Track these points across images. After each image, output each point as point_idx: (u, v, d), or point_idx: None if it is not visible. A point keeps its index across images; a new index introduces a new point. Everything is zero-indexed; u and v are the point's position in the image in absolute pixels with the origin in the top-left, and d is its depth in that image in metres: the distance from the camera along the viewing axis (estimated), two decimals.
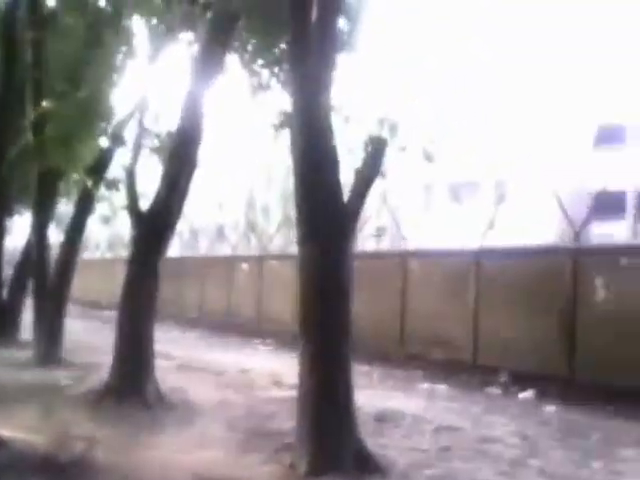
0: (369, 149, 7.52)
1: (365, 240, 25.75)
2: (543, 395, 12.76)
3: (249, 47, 12.01)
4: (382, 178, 7.75)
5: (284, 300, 20.18)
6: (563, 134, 36.16)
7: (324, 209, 7.38)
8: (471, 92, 35.60)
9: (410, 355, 16.20)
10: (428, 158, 10.28)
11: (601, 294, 13.04)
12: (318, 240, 7.36)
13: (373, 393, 11.87)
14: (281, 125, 10.17)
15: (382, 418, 10.01)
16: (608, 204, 34.49)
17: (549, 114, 36.00)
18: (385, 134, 7.78)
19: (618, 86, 35.27)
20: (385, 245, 29.39)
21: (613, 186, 33.37)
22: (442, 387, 13.78)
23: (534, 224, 28.33)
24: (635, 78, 34.27)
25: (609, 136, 36.63)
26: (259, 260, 23.52)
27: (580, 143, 36.55)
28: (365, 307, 15.02)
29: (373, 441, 7.62)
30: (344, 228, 7.46)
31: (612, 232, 30.52)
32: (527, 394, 13.06)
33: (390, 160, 7.72)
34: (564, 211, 14.69)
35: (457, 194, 39.96)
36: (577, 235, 14.16)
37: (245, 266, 24.25)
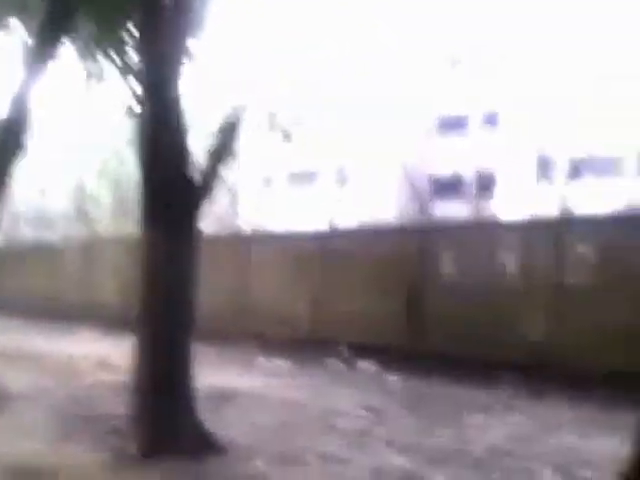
0: (222, 126, 7.20)
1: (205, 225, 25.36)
2: (386, 367, 12.60)
3: (86, 31, 11.13)
4: (233, 157, 7.35)
5: (113, 285, 19.63)
6: (407, 122, 37.26)
7: (172, 187, 6.88)
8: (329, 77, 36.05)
9: (250, 334, 15.74)
10: (286, 137, 10.00)
11: (448, 268, 13.13)
12: (165, 220, 6.85)
13: (212, 372, 11.30)
14: (129, 110, 9.50)
15: (222, 397, 9.48)
16: (450, 186, 36.13)
17: (393, 101, 36.95)
18: (237, 113, 7.41)
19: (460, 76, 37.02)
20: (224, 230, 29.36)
21: (455, 169, 35.06)
22: (283, 364, 13.43)
23: (378, 205, 28.76)
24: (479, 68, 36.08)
25: (452, 124, 38.32)
26: (87, 245, 22.60)
27: (424, 131, 37.82)
28: (208, 288, 14.55)
29: (213, 420, 7.05)
30: (192, 207, 7.04)
31: (454, 211, 31.64)
32: (369, 365, 12.89)
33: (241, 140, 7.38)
34: (412, 185, 14.79)
35: (297, 183, 40.50)
36: (423, 210, 14.22)
37: (73, 251, 23.10)
